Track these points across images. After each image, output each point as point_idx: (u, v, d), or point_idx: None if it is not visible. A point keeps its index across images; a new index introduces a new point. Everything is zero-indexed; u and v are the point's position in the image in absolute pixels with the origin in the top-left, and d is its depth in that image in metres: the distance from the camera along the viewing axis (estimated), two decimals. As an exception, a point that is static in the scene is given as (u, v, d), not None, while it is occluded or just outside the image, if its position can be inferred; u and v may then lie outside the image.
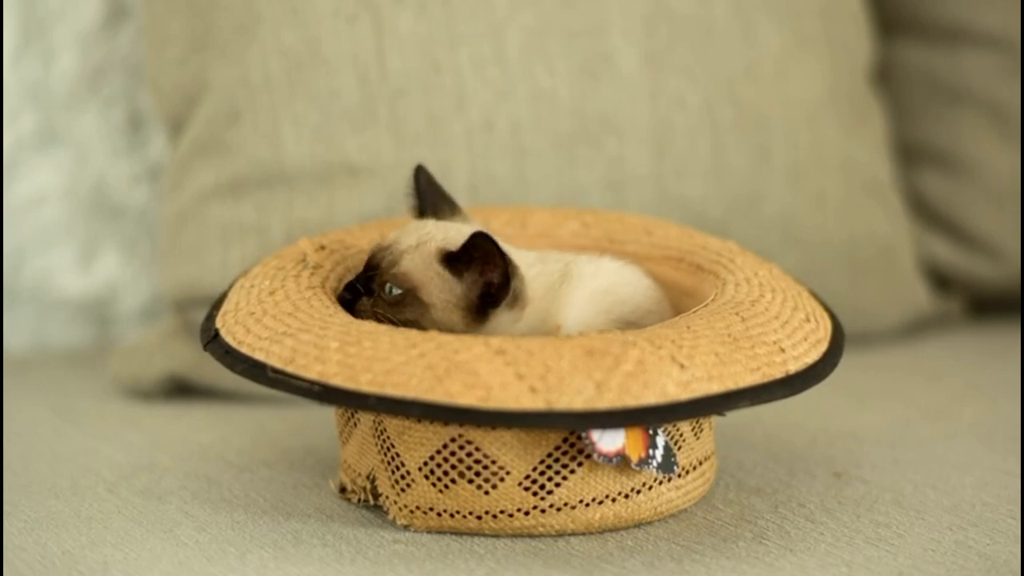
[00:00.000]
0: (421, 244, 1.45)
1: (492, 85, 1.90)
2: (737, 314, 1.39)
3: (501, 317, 1.44)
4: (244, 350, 1.38)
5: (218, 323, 1.44)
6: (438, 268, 1.44)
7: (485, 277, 1.43)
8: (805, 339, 1.40)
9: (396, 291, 1.43)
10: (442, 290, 1.43)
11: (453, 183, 1.87)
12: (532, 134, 1.91)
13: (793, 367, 1.36)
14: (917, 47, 2.19)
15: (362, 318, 1.42)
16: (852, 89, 2.09)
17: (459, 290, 1.43)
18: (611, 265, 1.50)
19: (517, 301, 1.44)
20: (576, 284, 1.47)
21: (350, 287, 1.45)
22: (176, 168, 1.93)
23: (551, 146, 1.91)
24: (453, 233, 1.46)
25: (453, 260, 1.43)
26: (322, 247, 1.53)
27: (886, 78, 2.21)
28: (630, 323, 1.45)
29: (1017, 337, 2.06)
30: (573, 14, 1.93)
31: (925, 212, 2.20)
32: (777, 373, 1.35)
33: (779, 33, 2.02)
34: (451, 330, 1.42)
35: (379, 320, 1.42)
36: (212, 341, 1.42)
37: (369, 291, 1.44)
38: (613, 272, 1.49)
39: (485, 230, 1.44)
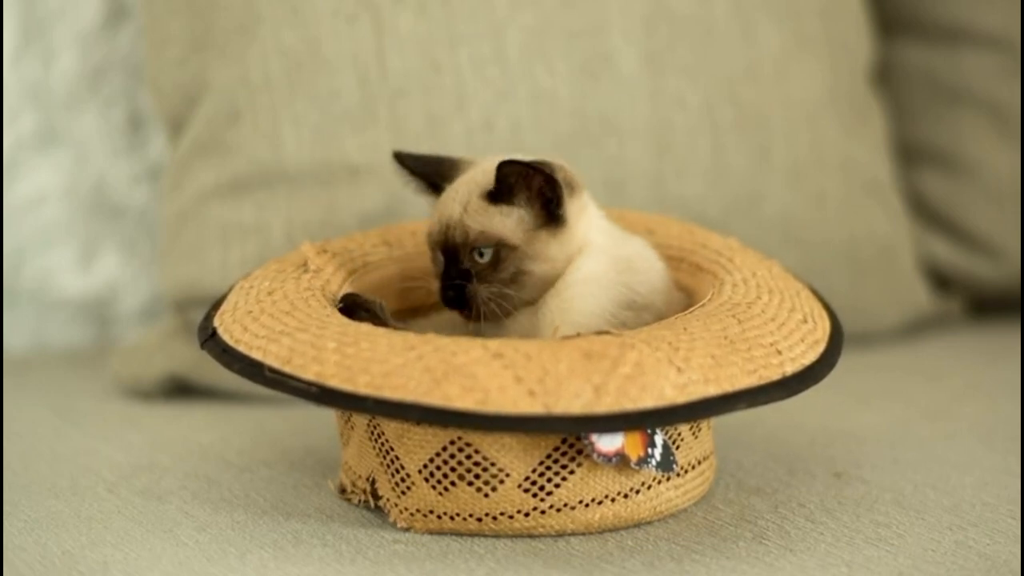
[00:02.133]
0: (467, 204, 1.46)
1: (492, 85, 1.90)
2: (734, 316, 1.39)
3: (573, 210, 1.45)
4: (241, 348, 1.38)
5: (216, 322, 1.44)
6: (495, 209, 1.45)
7: (534, 188, 1.44)
8: (802, 340, 1.40)
9: (487, 251, 1.44)
10: (516, 225, 1.44)
11: (453, 183, 1.88)
12: (532, 134, 1.91)
13: (790, 369, 1.36)
14: (917, 47, 2.19)
15: (477, 307, 1.43)
16: (852, 89, 2.09)
17: (524, 214, 1.44)
18: (638, 240, 1.53)
19: (574, 187, 1.47)
20: (610, 237, 1.49)
21: (448, 284, 1.45)
22: (176, 168, 1.93)
23: (551, 146, 1.91)
24: (481, 176, 1.47)
25: (499, 196, 1.44)
26: (324, 251, 1.53)
27: (886, 78, 2.21)
28: (637, 294, 1.46)
29: (1017, 337, 2.06)
30: (573, 14, 1.93)
31: (925, 212, 2.19)
32: (774, 375, 1.35)
33: (779, 33, 2.02)
34: (553, 261, 1.44)
35: (497, 304, 1.43)
36: (209, 339, 1.42)
37: (466, 275, 1.45)
38: (640, 244, 1.52)
39: (503, 157, 1.44)
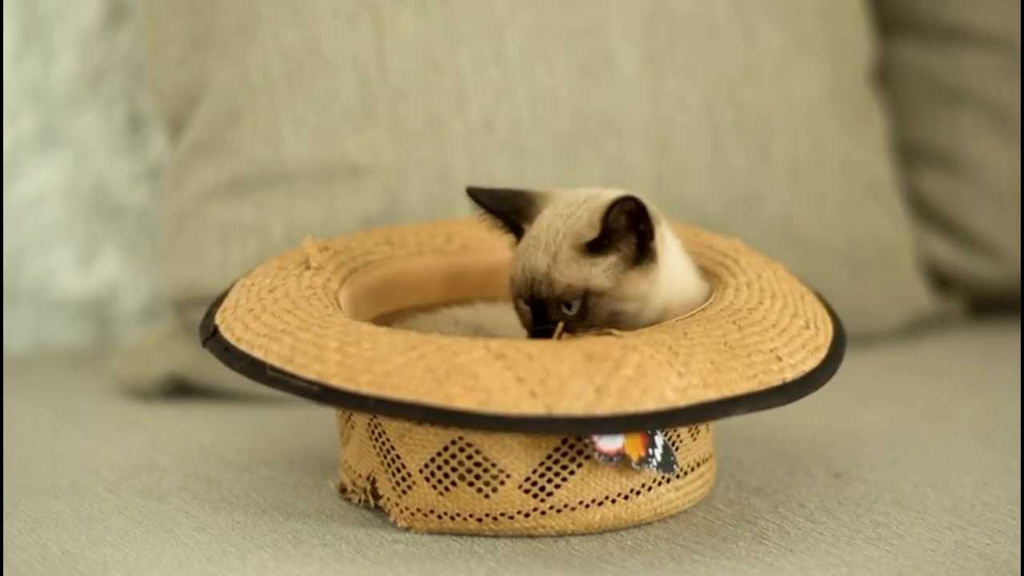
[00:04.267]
0: (556, 254, 1.41)
1: (492, 85, 1.90)
2: (734, 322, 1.39)
3: (660, 244, 1.42)
4: (243, 347, 1.38)
5: (217, 319, 1.44)
6: (589, 260, 1.41)
7: (632, 232, 1.40)
8: (803, 347, 1.40)
9: (575, 303, 1.40)
10: (603, 272, 1.41)
11: (453, 183, 1.88)
12: (532, 134, 1.91)
13: (790, 375, 1.36)
14: (917, 47, 2.19)
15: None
16: (852, 89, 2.09)
17: (615, 260, 1.41)
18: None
19: (657, 219, 1.42)
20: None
21: (541, 331, 1.41)
22: (176, 168, 1.93)
23: (551, 146, 1.91)
24: (572, 222, 1.41)
25: (599, 246, 1.40)
26: (325, 248, 1.53)
27: (886, 78, 2.21)
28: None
29: (1017, 337, 2.06)
30: (573, 14, 1.93)
31: (925, 212, 2.19)
32: (774, 381, 1.35)
33: (779, 33, 2.02)
34: (645, 298, 1.41)
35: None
36: (211, 337, 1.42)
37: (560, 320, 1.41)
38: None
39: (615, 194, 1.41)
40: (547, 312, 1.41)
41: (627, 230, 1.40)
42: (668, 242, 1.45)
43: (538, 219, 1.45)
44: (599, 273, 1.41)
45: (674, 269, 1.45)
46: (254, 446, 1.66)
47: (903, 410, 1.80)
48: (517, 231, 1.47)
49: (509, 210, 1.47)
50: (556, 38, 1.92)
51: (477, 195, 1.47)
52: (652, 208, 1.43)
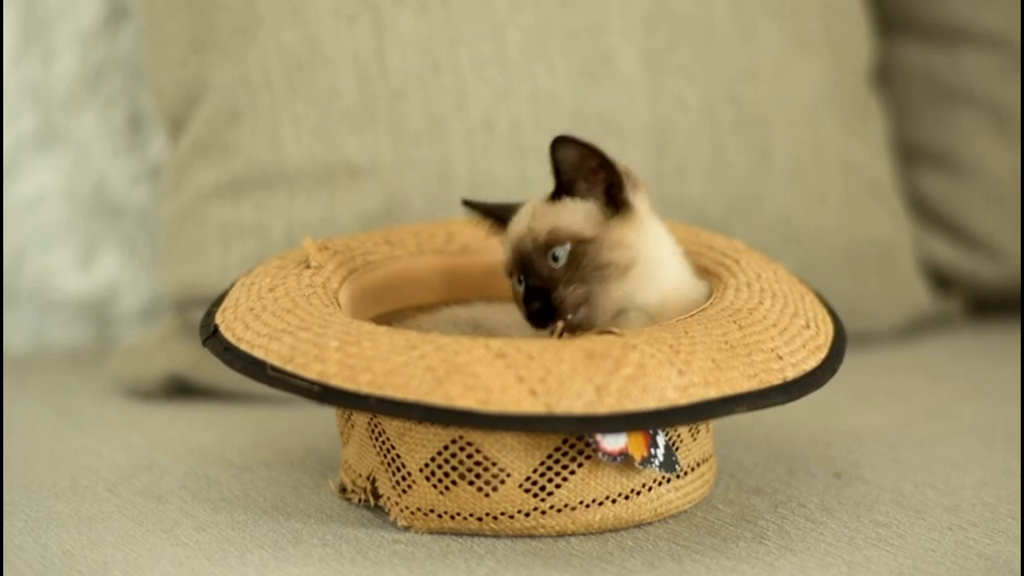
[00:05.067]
0: (532, 215, 1.44)
1: (492, 85, 1.90)
2: (735, 322, 1.39)
3: (639, 201, 1.44)
4: (243, 347, 1.38)
5: (217, 319, 1.44)
6: (560, 206, 1.43)
7: (595, 175, 1.43)
8: (803, 346, 1.40)
9: (561, 252, 1.42)
10: (585, 218, 1.43)
11: (453, 183, 1.88)
12: (532, 134, 1.91)
13: (791, 373, 1.36)
14: (917, 47, 2.19)
15: (566, 310, 1.41)
16: (852, 89, 2.09)
17: (591, 206, 1.43)
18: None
19: (633, 180, 1.45)
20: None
21: (533, 295, 1.42)
22: (176, 168, 1.93)
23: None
24: (536, 197, 1.46)
25: (559, 190, 1.43)
26: (325, 248, 1.53)
27: (886, 78, 2.21)
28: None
29: (1017, 337, 2.06)
30: (573, 14, 1.93)
31: (925, 212, 2.20)
32: (775, 380, 1.35)
33: (779, 33, 2.02)
34: (632, 247, 1.42)
35: (581, 305, 1.41)
36: (211, 337, 1.42)
37: (547, 286, 1.42)
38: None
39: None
40: (536, 268, 1.42)
41: (587, 172, 1.42)
42: (656, 218, 1.47)
43: None
44: (580, 218, 1.43)
45: (666, 243, 1.46)
46: (254, 446, 1.66)
47: (903, 410, 1.80)
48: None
49: (502, 212, 1.50)
50: (556, 38, 1.92)
51: (472, 207, 1.52)
52: (627, 168, 1.45)
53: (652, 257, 1.44)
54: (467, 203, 1.52)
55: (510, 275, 1.47)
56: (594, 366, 1.29)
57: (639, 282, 1.44)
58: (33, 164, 2.10)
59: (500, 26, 1.90)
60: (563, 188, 1.44)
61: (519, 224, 1.46)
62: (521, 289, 1.44)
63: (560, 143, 1.41)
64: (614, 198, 1.44)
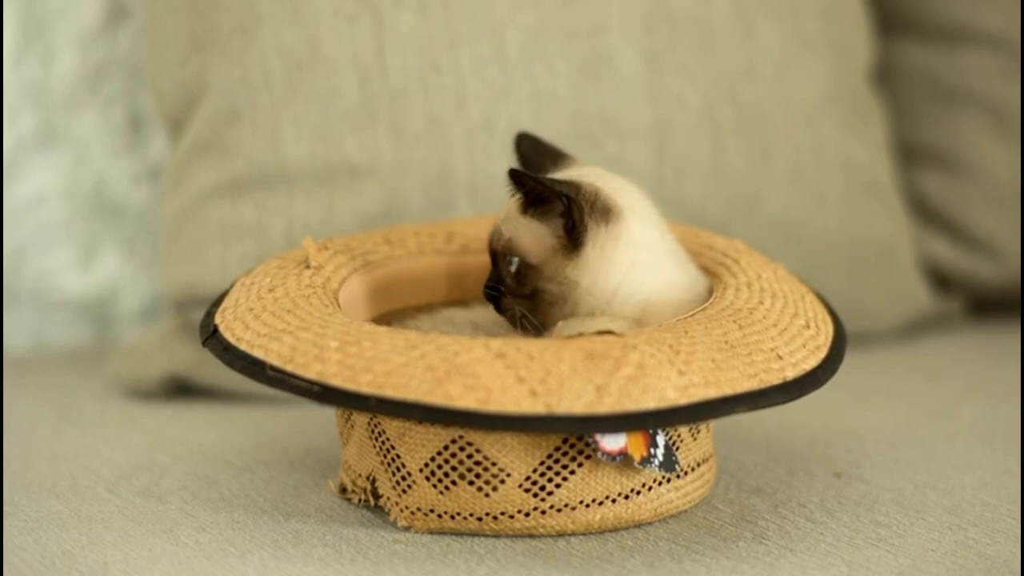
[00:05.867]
0: (510, 209, 1.46)
1: (492, 85, 1.90)
2: (735, 322, 1.39)
3: (601, 237, 1.43)
4: (243, 347, 1.38)
5: (217, 319, 1.44)
6: (525, 222, 1.44)
7: (552, 207, 1.43)
8: (804, 346, 1.40)
9: (514, 261, 1.44)
10: (536, 241, 1.44)
11: (453, 183, 1.88)
12: (532, 134, 1.91)
13: (791, 373, 1.36)
14: (917, 47, 2.19)
15: (510, 318, 1.44)
16: (852, 89, 2.09)
17: (547, 232, 1.44)
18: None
19: (608, 214, 1.44)
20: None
21: (491, 283, 1.46)
22: (176, 168, 1.93)
23: (551, 146, 1.91)
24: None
25: (526, 207, 1.44)
26: (325, 248, 1.53)
27: (886, 78, 2.21)
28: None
29: (1017, 337, 2.06)
30: (573, 14, 1.93)
31: (925, 212, 2.19)
32: (775, 379, 1.35)
33: (779, 33, 2.02)
34: (570, 285, 1.43)
35: (520, 321, 1.43)
36: (211, 337, 1.42)
37: (501, 284, 1.45)
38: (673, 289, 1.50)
39: (600, 169, 1.44)
40: (497, 264, 1.46)
41: (554, 210, 1.42)
42: (632, 237, 1.45)
43: None
44: (530, 240, 1.44)
45: (631, 263, 1.45)
46: (254, 446, 1.66)
47: (903, 410, 1.80)
48: None
49: (535, 166, 1.51)
50: (556, 38, 1.92)
51: (523, 141, 1.52)
52: (606, 201, 1.44)
53: (595, 288, 1.44)
54: (519, 138, 1.52)
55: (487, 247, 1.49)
56: (594, 366, 1.29)
57: (574, 308, 1.45)
58: (33, 164, 2.10)
59: (500, 26, 1.90)
60: (529, 206, 1.44)
61: (504, 209, 1.47)
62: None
63: (513, 174, 1.41)
64: (571, 234, 1.44)
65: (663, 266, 1.47)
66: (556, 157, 1.53)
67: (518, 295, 1.45)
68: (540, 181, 1.41)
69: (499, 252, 1.46)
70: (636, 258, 1.46)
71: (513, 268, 1.45)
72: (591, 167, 1.52)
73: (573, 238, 1.44)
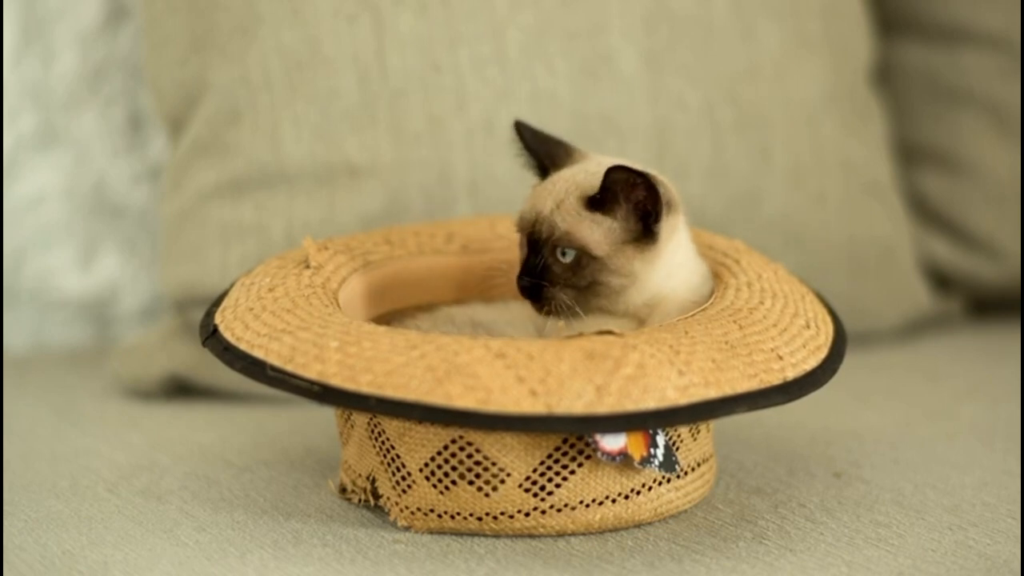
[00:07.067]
0: (561, 202, 1.44)
1: (492, 85, 1.90)
2: (735, 322, 1.39)
3: (666, 229, 1.44)
4: (243, 347, 1.38)
5: (217, 319, 1.44)
6: (589, 216, 1.44)
7: (633, 199, 1.43)
8: (804, 346, 1.40)
9: (569, 252, 1.43)
10: (603, 236, 1.43)
11: (453, 183, 1.88)
12: (532, 134, 1.91)
13: (791, 373, 1.37)
14: (917, 47, 2.19)
15: (552, 308, 1.43)
16: (852, 89, 2.09)
17: (616, 226, 1.43)
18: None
19: (672, 205, 1.45)
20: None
21: (528, 272, 1.44)
22: (176, 168, 1.93)
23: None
24: (583, 177, 1.46)
25: (597, 203, 1.43)
26: (325, 248, 1.53)
27: (886, 78, 2.21)
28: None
29: (1017, 337, 2.06)
30: (573, 14, 1.93)
31: (925, 212, 2.19)
32: (775, 379, 1.35)
33: (779, 33, 2.02)
34: (633, 277, 1.43)
35: (566, 308, 1.43)
36: (211, 337, 1.42)
37: (542, 274, 1.44)
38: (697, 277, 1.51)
39: (616, 162, 1.43)
40: (541, 253, 1.44)
41: (629, 200, 1.42)
42: (680, 234, 1.48)
43: (563, 170, 1.48)
44: (598, 234, 1.43)
45: (675, 260, 1.47)
46: (254, 446, 1.66)
47: (903, 410, 1.80)
48: (544, 174, 1.50)
49: (544, 154, 1.51)
50: (556, 38, 1.92)
51: (522, 130, 1.52)
52: (670, 192, 1.46)
53: (649, 283, 1.45)
54: (519, 126, 1.52)
55: (520, 229, 1.47)
56: (594, 366, 1.29)
57: (625, 300, 1.45)
58: (33, 164, 2.10)
59: (500, 26, 1.90)
60: (603, 203, 1.43)
61: (547, 199, 1.45)
62: (523, 254, 1.46)
63: (614, 170, 1.41)
64: (646, 227, 1.44)
65: (695, 265, 1.50)
66: (565, 149, 1.52)
67: (571, 286, 1.44)
68: (639, 173, 1.41)
69: (549, 241, 1.44)
70: (682, 255, 1.48)
71: (568, 260, 1.43)
72: (600, 155, 1.52)
73: (651, 232, 1.44)
